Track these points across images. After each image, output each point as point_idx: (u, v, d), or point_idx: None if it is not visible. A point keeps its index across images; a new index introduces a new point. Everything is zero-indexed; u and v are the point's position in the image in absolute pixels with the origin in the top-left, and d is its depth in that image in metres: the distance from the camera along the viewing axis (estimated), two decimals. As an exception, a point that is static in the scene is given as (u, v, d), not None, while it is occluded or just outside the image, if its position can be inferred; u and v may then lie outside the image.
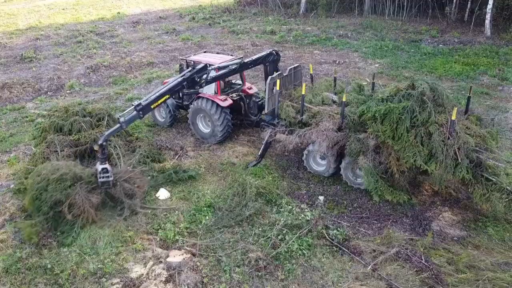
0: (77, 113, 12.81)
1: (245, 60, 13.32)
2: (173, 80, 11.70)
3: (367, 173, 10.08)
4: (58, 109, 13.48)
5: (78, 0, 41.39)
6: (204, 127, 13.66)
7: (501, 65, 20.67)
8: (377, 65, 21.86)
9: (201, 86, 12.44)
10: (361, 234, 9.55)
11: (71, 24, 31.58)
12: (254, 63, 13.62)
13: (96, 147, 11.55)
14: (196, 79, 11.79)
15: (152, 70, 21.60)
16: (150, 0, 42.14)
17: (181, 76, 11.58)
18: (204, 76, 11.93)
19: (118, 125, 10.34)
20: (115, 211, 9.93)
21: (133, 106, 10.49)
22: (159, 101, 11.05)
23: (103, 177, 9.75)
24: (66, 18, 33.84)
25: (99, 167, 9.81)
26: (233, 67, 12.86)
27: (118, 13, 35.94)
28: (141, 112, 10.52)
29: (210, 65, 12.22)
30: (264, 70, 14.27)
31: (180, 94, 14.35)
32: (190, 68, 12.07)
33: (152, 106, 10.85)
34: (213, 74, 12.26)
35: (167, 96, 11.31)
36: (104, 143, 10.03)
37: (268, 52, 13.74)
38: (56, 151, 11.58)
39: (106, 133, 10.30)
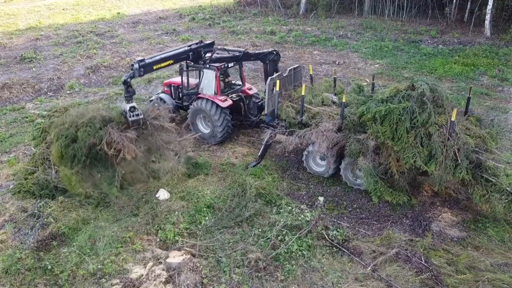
0: (77, 113, 12.80)
1: (249, 51, 13.57)
2: (180, 47, 11.68)
3: (367, 173, 10.08)
4: (58, 110, 13.48)
5: (78, 1, 41.37)
6: (204, 128, 13.66)
7: (501, 66, 20.68)
8: (376, 65, 21.86)
9: (204, 63, 12.33)
10: (361, 235, 9.55)
11: (71, 24, 31.58)
12: (256, 56, 13.77)
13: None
14: (201, 53, 11.80)
15: (152, 70, 21.56)
16: (150, 0, 42.14)
17: (188, 46, 11.46)
18: (209, 54, 11.88)
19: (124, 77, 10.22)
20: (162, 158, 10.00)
21: (136, 61, 10.33)
22: (162, 64, 10.93)
23: (133, 115, 9.49)
24: (66, 18, 33.83)
25: (127, 106, 9.58)
26: (237, 54, 13.12)
27: (118, 13, 35.94)
28: (142, 69, 10.32)
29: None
30: (264, 70, 14.29)
31: (180, 94, 14.39)
32: (197, 41, 12.04)
33: (154, 67, 10.72)
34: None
35: (171, 61, 11.27)
36: (129, 80, 9.81)
37: (269, 50, 13.77)
38: (56, 151, 11.58)
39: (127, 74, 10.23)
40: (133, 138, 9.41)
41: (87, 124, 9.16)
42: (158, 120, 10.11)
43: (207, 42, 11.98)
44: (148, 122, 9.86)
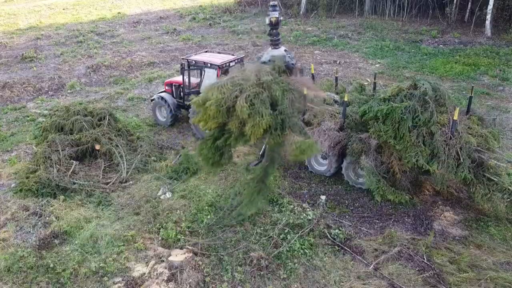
0: (78, 112, 12.84)
1: None
2: None
3: (369, 172, 10.08)
4: (59, 109, 13.52)
5: (79, 0, 41.39)
6: (205, 127, 13.64)
7: (502, 66, 20.67)
8: (377, 65, 21.86)
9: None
10: (363, 234, 9.55)
11: (72, 24, 31.58)
12: None
13: (97, 147, 11.61)
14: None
15: (152, 70, 21.60)
16: (150, 0, 42.14)
17: None
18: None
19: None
20: None
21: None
22: None
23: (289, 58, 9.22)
24: (66, 18, 33.84)
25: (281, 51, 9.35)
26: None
27: (119, 13, 35.95)
28: None
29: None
30: None
31: (181, 93, 14.39)
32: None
33: None
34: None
35: None
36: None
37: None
38: (57, 150, 11.61)
39: None
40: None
41: (257, 85, 8.11)
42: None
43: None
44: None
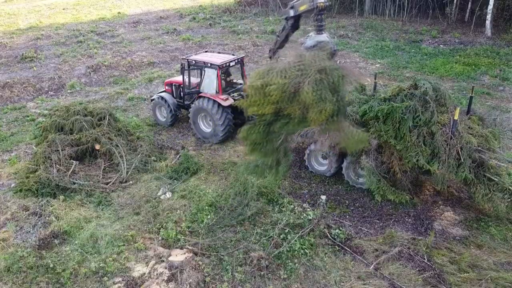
0: (78, 112, 12.82)
1: None
2: None
3: (369, 172, 10.06)
4: (59, 109, 13.49)
5: (79, 0, 41.39)
6: (205, 127, 13.65)
7: (502, 66, 20.66)
8: (378, 65, 21.84)
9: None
10: (363, 234, 9.53)
11: (72, 24, 31.57)
12: None
13: (97, 146, 11.60)
14: None
15: (153, 70, 21.60)
16: (150, 0, 42.14)
17: None
18: None
19: None
20: None
21: None
22: None
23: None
24: (66, 18, 33.83)
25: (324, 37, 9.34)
26: None
27: (119, 13, 35.94)
28: None
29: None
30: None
31: (181, 93, 14.38)
32: None
33: None
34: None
35: None
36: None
37: None
38: (57, 150, 11.60)
39: None
40: None
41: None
42: None
43: None
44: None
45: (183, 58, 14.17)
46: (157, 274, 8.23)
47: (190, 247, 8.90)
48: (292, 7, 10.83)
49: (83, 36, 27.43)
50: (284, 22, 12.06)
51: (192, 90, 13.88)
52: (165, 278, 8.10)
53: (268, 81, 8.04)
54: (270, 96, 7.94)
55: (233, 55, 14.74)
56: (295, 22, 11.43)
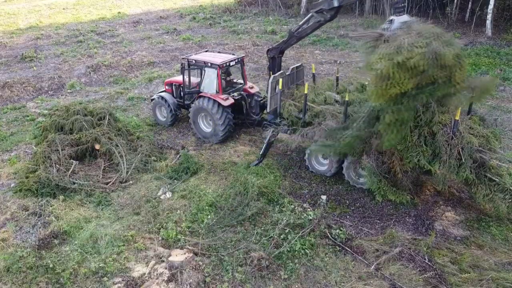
0: (78, 112, 12.82)
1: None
2: None
3: (370, 172, 10.04)
4: (59, 108, 13.49)
5: (79, 0, 41.37)
6: (205, 127, 13.63)
7: (503, 66, 20.64)
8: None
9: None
10: (364, 234, 9.51)
11: (72, 23, 31.57)
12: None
13: (97, 146, 11.58)
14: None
15: (153, 69, 21.58)
16: (150, 0, 42.12)
17: None
18: None
19: None
20: None
21: None
22: None
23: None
24: (66, 18, 33.82)
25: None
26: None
27: (119, 13, 35.93)
28: None
29: None
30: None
31: (181, 93, 14.36)
32: None
33: None
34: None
35: None
36: None
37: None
38: (57, 150, 11.57)
39: None
40: None
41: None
42: None
43: None
44: None
45: (183, 58, 14.15)
46: (157, 274, 8.20)
47: (190, 247, 8.87)
48: None
49: (83, 36, 27.42)
50: (309, 16, 11.88)
51: (192, 89, 13.86)
52: (165, 278, 8.07)
53: (407, 55, 8.15)
54: (417, 67, 8.07)
55: (233, 54, 14.72)
56: (336, 14, 11.35)
